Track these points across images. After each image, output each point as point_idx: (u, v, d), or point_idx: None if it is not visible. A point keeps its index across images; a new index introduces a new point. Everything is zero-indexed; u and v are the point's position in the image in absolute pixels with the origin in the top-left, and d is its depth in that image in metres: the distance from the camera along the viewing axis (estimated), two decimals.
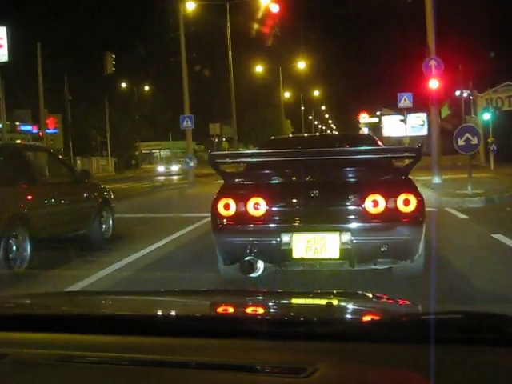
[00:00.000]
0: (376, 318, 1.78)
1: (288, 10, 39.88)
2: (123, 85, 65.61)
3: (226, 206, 5.80)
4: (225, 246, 5.95)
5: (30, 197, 8.28)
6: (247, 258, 5.63)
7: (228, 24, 37.84)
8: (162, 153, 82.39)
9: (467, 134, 14.80)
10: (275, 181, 6.13)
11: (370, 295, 2.05)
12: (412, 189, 5.72)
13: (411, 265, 5.80)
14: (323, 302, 1.91)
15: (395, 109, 34.26)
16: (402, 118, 28.51)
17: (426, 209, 5.89)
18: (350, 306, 2.02)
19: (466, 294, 5.68)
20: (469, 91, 33.76)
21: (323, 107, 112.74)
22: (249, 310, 2.04)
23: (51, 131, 40.56)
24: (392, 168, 6.49)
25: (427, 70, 19.11)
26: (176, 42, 32.05)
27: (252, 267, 5.63)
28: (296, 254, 5.61)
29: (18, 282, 7.05)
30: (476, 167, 24.16)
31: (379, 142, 7.75)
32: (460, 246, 8.33)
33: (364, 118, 78.65)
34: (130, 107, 66.14)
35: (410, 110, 27.70)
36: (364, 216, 5.61)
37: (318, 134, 55.46)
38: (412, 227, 5.63)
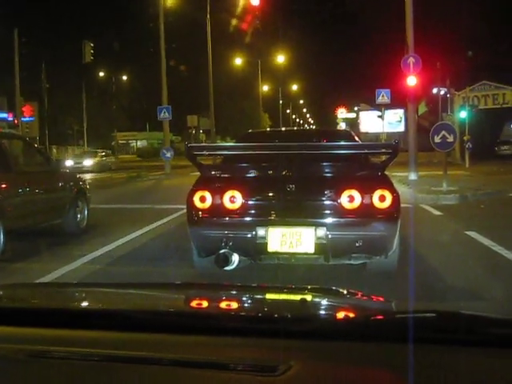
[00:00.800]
0: (351, 315, 1.77)
1: (268, 4, 39.80)
2: (101, 74, 65.00)
3: (202, 199, 5.77)
4: (200, 239, 5.93)
5: (4, 185, 8.17)
6: (222, 251, 5.61)
7: (208, 16, 37.65)
8: (138, 143, 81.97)
9: (443, 132, 14.96)
10: (252, 174, 6.12)
11: (345, 291, 2.04)
12: (388, 185, 5.73)
13: (385, 260, 5.81)
14: (298, 297, 1.90)
15: (373, 104, 34.32)
16: (379, 113, 28.52)
17: (402, 205, 5.90)
18: (325, 303, 2.00)
19: (439, 291, 5.71)
20: (446, 89, 34.03)
21: (301, 101, 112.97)
22: (222, 306, 2.02)
23: (27, 119, 39.82)
24: (369, 164, 6.52)
25: (405, 67, 19.22)
26: (155, 31, 31.85)
27: (227, 260, 5.61)
28: (271, 248, 5.60)
29: None
30: (451, 164, 24.37)
31: (357, 138, 7.78)
32: (434, 243, 8.38)
33: (342, 113, 78.82)
34: (108, 97, 65.60)
35: (387, 106, 27.75)
36: (339, 211, 5.61)
37: (295, 128, 55.45)
38: (387, 223, 5.65)
